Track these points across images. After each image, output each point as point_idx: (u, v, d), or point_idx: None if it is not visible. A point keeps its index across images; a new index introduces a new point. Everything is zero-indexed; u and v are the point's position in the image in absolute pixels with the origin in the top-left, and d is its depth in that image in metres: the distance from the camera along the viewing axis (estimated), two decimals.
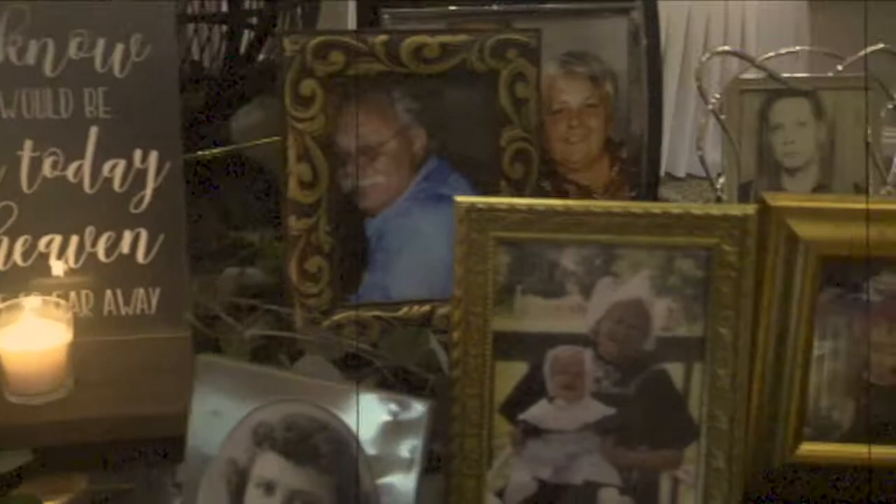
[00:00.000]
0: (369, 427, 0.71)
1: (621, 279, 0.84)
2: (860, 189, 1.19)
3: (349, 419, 0.71)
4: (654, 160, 1.36)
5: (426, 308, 1.11)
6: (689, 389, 0.85)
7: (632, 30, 1.34)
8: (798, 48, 1.24)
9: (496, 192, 1.12)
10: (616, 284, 0.84)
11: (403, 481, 0.70)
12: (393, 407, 0.70)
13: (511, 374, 0.85)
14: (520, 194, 1.13)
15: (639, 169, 1.36)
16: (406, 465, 0.70)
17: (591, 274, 0.84)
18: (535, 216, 0.83)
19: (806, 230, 0.88)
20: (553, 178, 1.35)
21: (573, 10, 1.33)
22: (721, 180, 1.17)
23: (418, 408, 0.70)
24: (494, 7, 1.32)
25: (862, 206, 0.90)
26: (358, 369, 1.05)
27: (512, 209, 0.83)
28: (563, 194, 1.34)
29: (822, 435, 0.93)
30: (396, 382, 1.03)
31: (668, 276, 0.84)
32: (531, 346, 0.85)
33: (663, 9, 3.32)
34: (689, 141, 3.07)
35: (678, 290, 0.84)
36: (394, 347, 1.06)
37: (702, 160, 1.19)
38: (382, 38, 1.09)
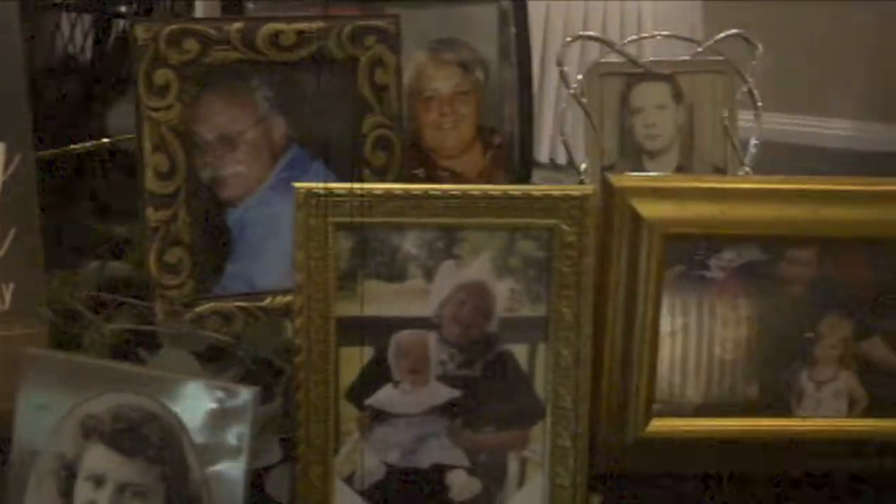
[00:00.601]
0: (196, 415, 0.70)
1: (463, 262, 0.84)
2: (719, 170, 1.21)
3: (177, 408, 0.70)
4: (527, 146, 1.36)
5: (290, 297, 1.10)
6: (534, 369, 0.86)
7: (501, 16, 1.34)
8: (657, 34, 1.26)
9: (359, 180, 1.11)
10: (458, 267, 0.84)
11: (232, 469, 0.69)
12: (219, 394, 0.69)
13: (356, 359, 0.84)
14: (383, 181, 1.12)
15: (512, 155, 1.37)
16: (234, 453, 0.69)
17: (433, 257, 0.84)
18: (373, 200, 0.82)
19: (649, 210, 0.89)
20: (426, 166, 1.34)
21: None
22: (583, 164, 1.18)
23: (244, 395, 0.69)
24: None
25: (702, 184, 0.91)
26: (220, 361, 1.04)
27: (350, 194, 0.82)
28: (437, 181, 1.34)
29: (673, 411, 0.95)
30: (259, 372, 1.02)
31: (510, 257, 0.84)
32: (375, 330, 0.84)
33: (560, 7, 3.35)
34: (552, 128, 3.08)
35: (520, 271, 0.84)
36: (254, 337, 1.05)
37: (565, 145, 1.20)
38: (238, 25, 1.07)
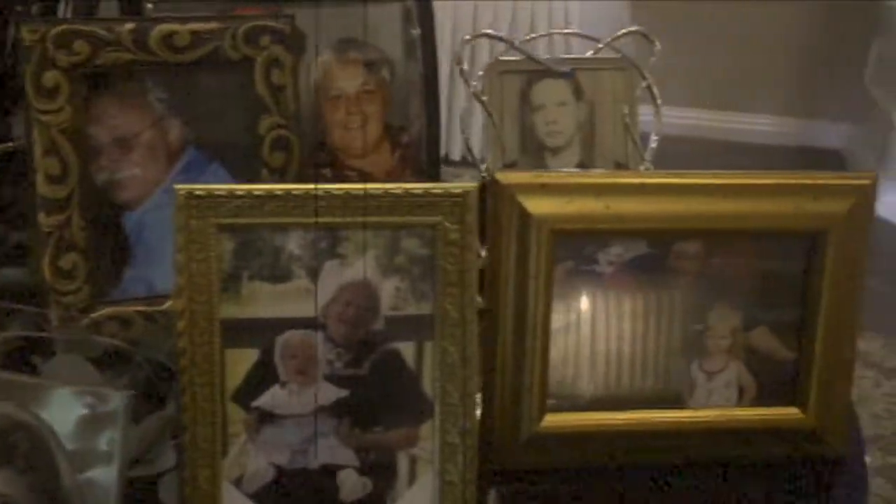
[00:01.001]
0: (67, 422, 0.69)
1: (348, 261, 0.84)
2: (621, 166, 1.22)
3: (47, 415, 0.69)
4: (434, 145, 1.36)
5: None
6: (422, 367, 0.86)
7: (406, 15, 1.34)
8: (554, 31, 1.27)
9: (258, 181, 1.10)
10: (343, 266, 0.84)
11: (105, 475, 0.69)
12: (89, 400, 0.68)
13: (242, 361, 0.84)
14: (282, 182, 1.11)
15: (420, 153, 1.37)
16: (106, 459, 0.68)
17: (318, 257, 0.84)
18: (255, 201, 0.82)
19: (536, 206, 0.90)
20: (334, 166, 1.34)
21: None
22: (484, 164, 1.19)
23: (115, 400, 0.68)
24: None
25: (588, 180, 0.92)
26: (118, 366, 1.03)
27: (231, 195, 0.82)
28: (345, 181, 1.33)
29: (567, 405, 0.95)
30: (155, 377, 1.01)
31: (395, 255, 0.84)
32: (261, 332, 0.84)
33: (488, 7, 3.35)
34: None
35: (405, 269, 0.85)
36: (150, 341, 1.04)
37: (466, 142, 1.21)
38: (129, 26, 1.06)
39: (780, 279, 0.95)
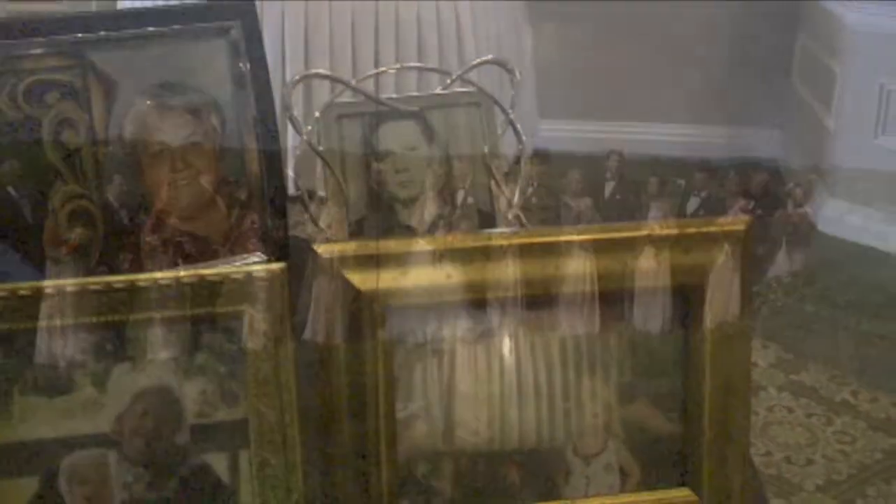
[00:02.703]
0: None
1: (140, 364, 0.81)
2: (485, 214, 1.20)
3: None
4: (279, 196, 1.33)
5: None
6: (238, 481, 0.84)
7: (233, 50, 1.31)
8: (399, 66, 1.26)
9: (55, 264, 1.07)
10: (135, 371, 0.81)
11: None
12: None
13: (18, 493, 0.81)
14: (87, 263, 1.08)
15: (264, 210, 1.34)
16: None
17: (104, 362, 0.81)
18: (20, 302, 0.79)
19: (365, 281, 0.88)
20: (161, 231, 1.30)
21: (161, 33, 1.29)
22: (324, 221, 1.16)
23: None
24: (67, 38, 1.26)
25: (424, 247, 0.90)
26: None
27: None
28: (176, 248, 1.30)
29: None
30: None
31: (197, 354, 0.82)
32: (40, 456, 0.81)
33: (369, 13, 3.30)
34: None
35: (210, 368, 0.82)
36: None
37: (302, 200, 1.18)
38: None
39: (655, 344, 0.95)
